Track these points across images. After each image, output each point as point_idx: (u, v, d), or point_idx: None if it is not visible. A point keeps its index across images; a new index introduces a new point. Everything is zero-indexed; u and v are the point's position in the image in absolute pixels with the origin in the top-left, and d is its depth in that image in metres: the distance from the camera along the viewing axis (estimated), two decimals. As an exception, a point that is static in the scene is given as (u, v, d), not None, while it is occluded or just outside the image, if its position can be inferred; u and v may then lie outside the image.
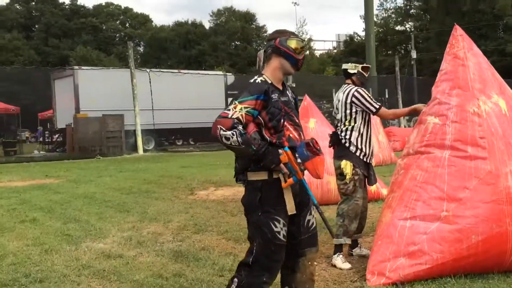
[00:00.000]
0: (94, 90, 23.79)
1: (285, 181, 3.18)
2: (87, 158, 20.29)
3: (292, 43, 3.33)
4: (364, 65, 5.33)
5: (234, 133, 3.05)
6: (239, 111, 3.13)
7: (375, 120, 16.13)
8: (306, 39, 64.69)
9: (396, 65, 31.14)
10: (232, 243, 6.00)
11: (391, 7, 65.35)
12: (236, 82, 34.60)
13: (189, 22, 68.10)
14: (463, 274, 4.26)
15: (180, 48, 63.86)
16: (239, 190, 10.39)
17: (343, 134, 5.15)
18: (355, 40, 64.28)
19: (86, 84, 24.08)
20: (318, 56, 68.78)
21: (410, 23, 64.33)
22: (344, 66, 5.36)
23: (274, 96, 3.24)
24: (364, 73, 5.29)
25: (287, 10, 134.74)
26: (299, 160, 3.21)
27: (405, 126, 28.36)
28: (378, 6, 62.13)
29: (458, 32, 4.95)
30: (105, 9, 72.02)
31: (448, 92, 4.73)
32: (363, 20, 43.44)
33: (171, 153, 24.33)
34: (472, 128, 4.52)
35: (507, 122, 4.63)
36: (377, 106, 5.12)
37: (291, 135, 3.28)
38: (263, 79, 3.29)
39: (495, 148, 4.44)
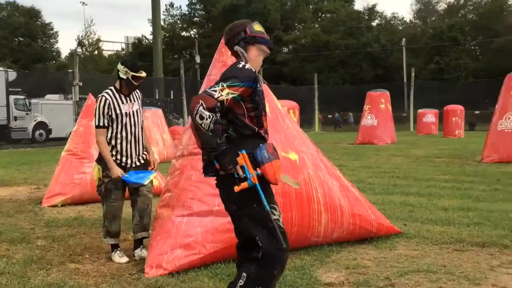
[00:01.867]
0: None
1: (239, 185, 3.02)
2: None
3: (258, 27, 3.31)
4: (137, 74, 5.08)
5: (211, 116, 2.86)
6: (226, 96, 2.96)
7: (160, 119, 16.72)
8: (94, 40, 63.28)
9: (181, 68, 32.19)
10: (6, 245, 5.69)
11: (177, 14, 67.59)
12: (19, 79, 32.30)
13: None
14: (232, 260, 4.67)
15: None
16: (18, 190, 9.87)
17: None
18: (143, 42, 64.92)
19: None
20: (107, 56, 67.93)
21: (194, 29, 67.12)
22: (118, 66, 5.14)
23: (259, 85, 3.18)
24: (133, 81, 5.08)
25: (74, 9, 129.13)
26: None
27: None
28: (164, 12, 63.44)
29: (226, 41, 5.40)
30: None
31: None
32: (151, 24, 44.26)
33: None
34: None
35: (270, 123, 5.21)
36: (99, 124, 5.03)
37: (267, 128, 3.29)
38: (250, 67, 3.17)
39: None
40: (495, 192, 8.58)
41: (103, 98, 5.03)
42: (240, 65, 3.13)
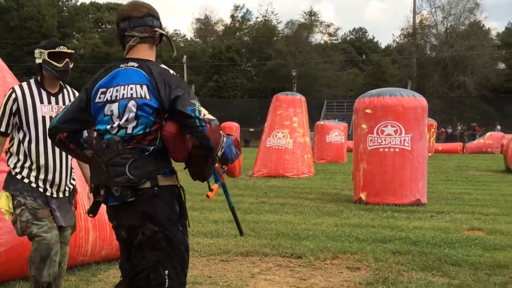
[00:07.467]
0: None
1: (210, 189, 2.70)
2: None
3: None
4: (56, 50, 3.62)
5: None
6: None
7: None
8: None
9: None
10: None
11: None
12: None
13: None
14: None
15: None
16: None
17: None
18: None
19: None
20: None
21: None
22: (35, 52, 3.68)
23: None
24: (54, 63, 3.59)
25: None
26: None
27: None
28: None
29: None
30: None
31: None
32: None
33: None
34: None
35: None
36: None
37: None
38: None
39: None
40: (262, 204, 9.24)
41: (11, 92, 3.58)
42: (172, 72, 2.57)
